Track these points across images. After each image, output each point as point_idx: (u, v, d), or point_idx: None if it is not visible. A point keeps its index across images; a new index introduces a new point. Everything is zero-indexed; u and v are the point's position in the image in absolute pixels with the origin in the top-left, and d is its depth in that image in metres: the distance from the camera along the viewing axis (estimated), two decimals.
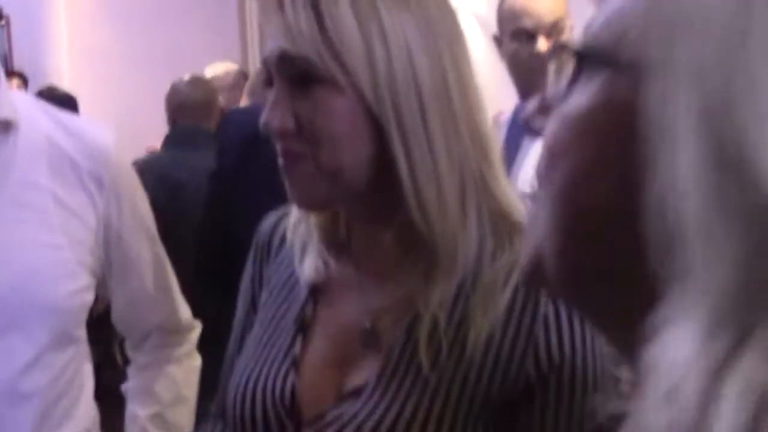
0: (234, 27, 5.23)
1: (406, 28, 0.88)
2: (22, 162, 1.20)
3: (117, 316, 1.38)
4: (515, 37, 2.19)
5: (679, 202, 0.40)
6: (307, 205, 0.93)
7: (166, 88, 3.34)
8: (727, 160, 0.38)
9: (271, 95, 0.89)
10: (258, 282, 1.10)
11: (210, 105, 3.04)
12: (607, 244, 0.44)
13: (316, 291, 1.02)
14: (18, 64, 4.86)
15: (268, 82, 0.91)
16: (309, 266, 1.00)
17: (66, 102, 3.77)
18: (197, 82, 3.13)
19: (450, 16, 0.94)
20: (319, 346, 1.00)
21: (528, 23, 2.19)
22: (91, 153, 1.26)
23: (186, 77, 3.12)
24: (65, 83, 4.26)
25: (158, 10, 4.90)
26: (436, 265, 0.91)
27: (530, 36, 2.19)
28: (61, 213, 1.21)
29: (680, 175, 0.40)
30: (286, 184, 0.91)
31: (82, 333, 1.26)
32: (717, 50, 0.40)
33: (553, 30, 2.14)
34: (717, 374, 0.36)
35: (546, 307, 0.89)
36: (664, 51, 0.42)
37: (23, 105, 1.25)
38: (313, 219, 1.00)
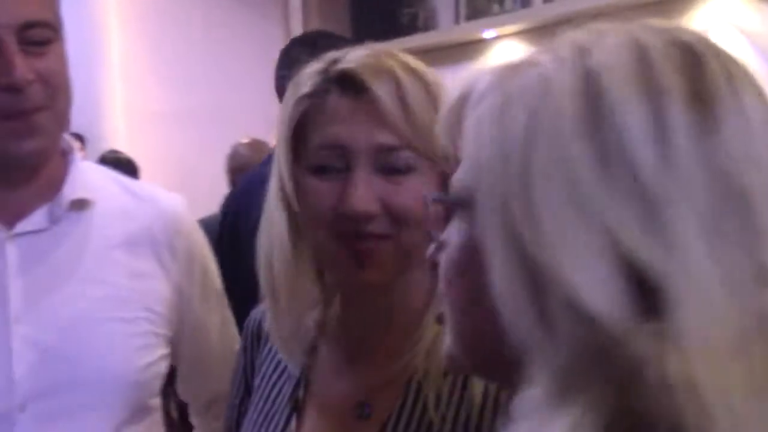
0: None
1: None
2: (97, 238, 1.19)
3: (182, 383, 1.35)
4: None
5: (505, 312, 0.54)
6: (379, 280, 0.95)
7: (221, 148, 3.42)
8: (530, 276, 0.53)
9: (350, 180, 0.91)
10: (250, 368, 1.14)
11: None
12: (492, 342, 0.58)
13: (308, 371, 1.05)
14: (75, 126, 4.97)
15: (319, 170, 0.94)
16: (300, 347, 1.04)
17: (128, 165, 3.85)
18: (256, 144, 3.17)
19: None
20: (313, 425, 1.03)
21: None
22: (165, 222, 1.25)
23: (245, 140, 3.17)
24: (121, 144, 4.35)
25: (214, 72, 5.00)
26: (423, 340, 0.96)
27: None
28: (136, 285, 1.19)
29: (499, 291, 0.55)
30: (350, 262, 0.94)
31: (157, 401, 1.25)
32: (510, 185, 0.54)
33: None
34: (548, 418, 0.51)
35: None
36: (483, 191, 0.57)
37: (97, 177, 1.24)
38: (308, 299, 1.02)
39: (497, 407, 0.95)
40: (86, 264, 1.17)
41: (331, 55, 0.97)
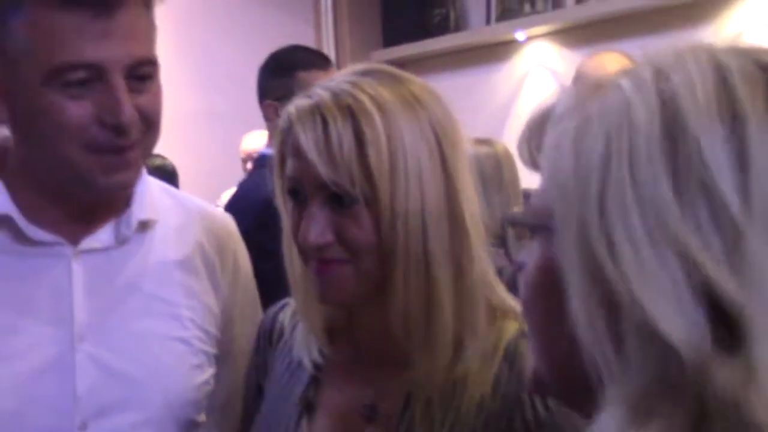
0: None
1: (420, 145, 0.98)
2: (157, 256, 1.20)
3: (212, 402, 1.30)
4: None
5: (582, 337, 0.54)
6: (337, 301, 1.03)
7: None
8: (607, 302, 0.53)
9: (306, 212, 0.98)
10: (263, 369, 1.18)
11: None
12: (572, 367, 0.58)
13: (318, 372, 1.09)
14: None
15: (292, 193, 1.01)
16: (311, 350, 1.08)
17: (171, 173, 3.86)
18: None
19: (450, 118, 1.03)
20: (322, 424, 1.08)
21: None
22: (215, 238, 1.27)
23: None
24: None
25: (244, 73, 5.03)
26: (424, 351, 1.00)
27: None
28: (190, 303, 1.20)
29: (576, 315, 0.55)
30: (315, 282, 1.00)
31: (203, 417, 1.26)
32: (588, 210, 0.54)
33: None
34: None
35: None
36: (560, 214, 0.57)
37: (156, 193, 1.25)
38: (316, 304, 1.06)
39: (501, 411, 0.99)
40: (147, 282, 1.18)
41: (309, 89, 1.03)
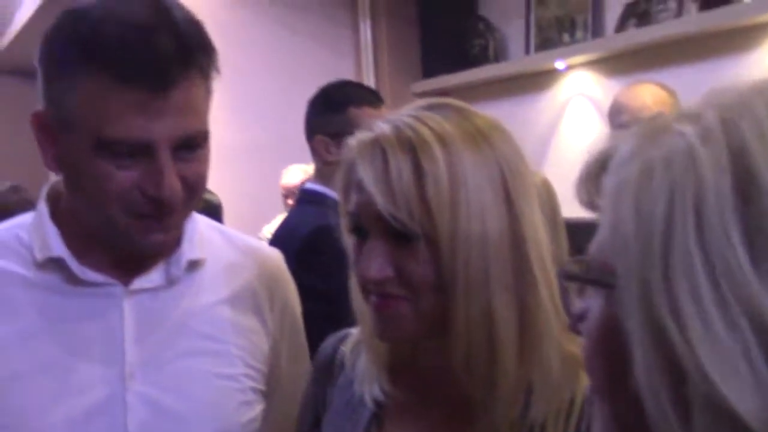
0: None
1: (483, 182, 0.96)
2: (207, 295, 1.21)
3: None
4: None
5: (647, 403, 0.52)
6: (395, 339, 1.00)
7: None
8: (671, 367, 0.50)
9: (366, 246, 0.98)
10: (321, 401, 1.16)
11: None
12: (636, 416, 0.54)
13: (380, 410, 1.08)
14: None
15: (355, 229, 1.00)
16: (373, 386, 1.07)
17: (216, 208, 3.91)
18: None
19: (519, 157, 1.02)
20: None
21: (625, 119, 2.23)
22: (265, 276, 1.28)
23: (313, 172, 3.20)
24: None
25: (286, 107, 5.08)
26: (488, 392, 0.98)
27: None
28: (239, 341, 1.22)
29: (640, 380, 0.52)
30: (374, 318, 0.99)
31: None
32: (651, 269, 0.51)
33: None
34: None
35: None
36: (622, 270, 0.53)
37: (206, 232, 1.27)
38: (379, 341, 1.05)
39: None
40: (197, 320, 1.20)
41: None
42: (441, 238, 0.94)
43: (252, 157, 4.85)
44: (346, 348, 1.17)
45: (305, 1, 5.20)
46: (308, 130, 2.48)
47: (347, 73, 5.38)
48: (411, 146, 0.95)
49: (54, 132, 1.10)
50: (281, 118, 5.11)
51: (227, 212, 4.04)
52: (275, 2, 5.11)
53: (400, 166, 0.94)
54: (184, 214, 1.15)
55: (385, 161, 0.94)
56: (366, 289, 1.00)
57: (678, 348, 0.49)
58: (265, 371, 1.26)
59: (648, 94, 2.25)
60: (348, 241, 1.04)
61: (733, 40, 3.55)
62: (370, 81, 5.28)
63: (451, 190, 0.94)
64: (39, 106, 1.12)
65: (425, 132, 0.96)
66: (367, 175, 0.95)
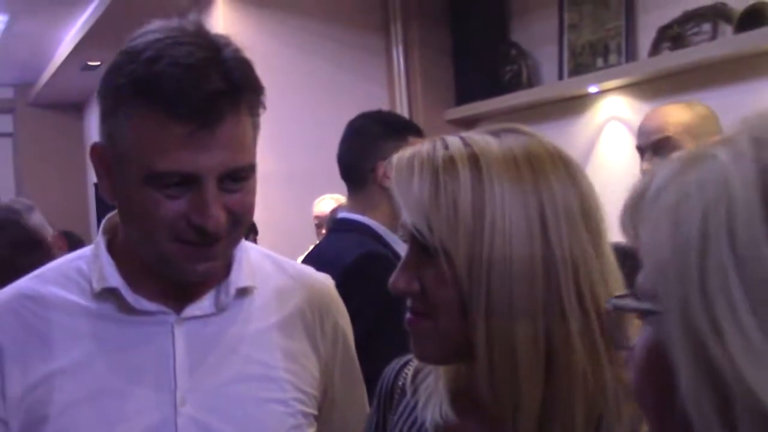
0: None
1: (516, 207, 0.95)
2: (257, 321, 1.25)
3: None
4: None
5: (694, 422, 0.52)
6: (424, 359, 1.00)
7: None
8: (717, 386, 0.51)
9: (401, 260, 1.01)
10: (381, 428, 1.17)
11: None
12: None
13: None
14: None
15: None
16: (434, 412, 1.06)
17: (251, 230, 3.95)
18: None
19: (572, 189, 1.00)
20: None
21: (639, 141, 2.24)
22: (316, 301, 1.31)
23: (344, 201, 3.22)
24: None
25: (317, 135, 5.12)
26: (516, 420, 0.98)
27: (641, 153, 2.23)
28: (290, 366, 1.24)
29: (686, 398, 0.53)
30: (411, 337, 1.01)
31: None
32: (690, 291, 0.52)
33: (661, 148, 2.15)
34: None
35: None
36: (663, 296, 0.55)
37: (255, 258, 1.30)
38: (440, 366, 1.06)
39: None
40: (247, 346, 1.23)
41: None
42: (459, 257, 0.94)
43: (287, 185, 4.89)
44: (407, 374, 1.17)
45: (338, 31, 5.25)
46: (363, 156, 2.46)
47: (381, 101, 5.41)
48: (437, 163, 0.97)
49: (110, 163, 1.15)
50: (315, 148, 5.15)
51: (262, 239, 4.07)
52: (308, 32, 5.16)
53: (422, 181, 0.96)
54: (231, 243, 1.18)
55: (411, 176, 0.97)
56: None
57: (719, 362, 0.50)
58: (317, 395, 1.27)
59: (665, 114, 2.22)
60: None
61: None
62: (403, 109, 5.30)
63: (473, 210, 0.94)
64: (97, 138, 1.19)
65: (457, 152, 0.97)
66: (397, 187, 0.99)
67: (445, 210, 0.95)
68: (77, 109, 9.45)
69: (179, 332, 1.19)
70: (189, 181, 1.10)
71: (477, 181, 0.95)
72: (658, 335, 0.57)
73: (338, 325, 1.33)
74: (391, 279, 1.00)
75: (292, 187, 4.83)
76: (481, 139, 0.99)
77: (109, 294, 1.19)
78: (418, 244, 0.98)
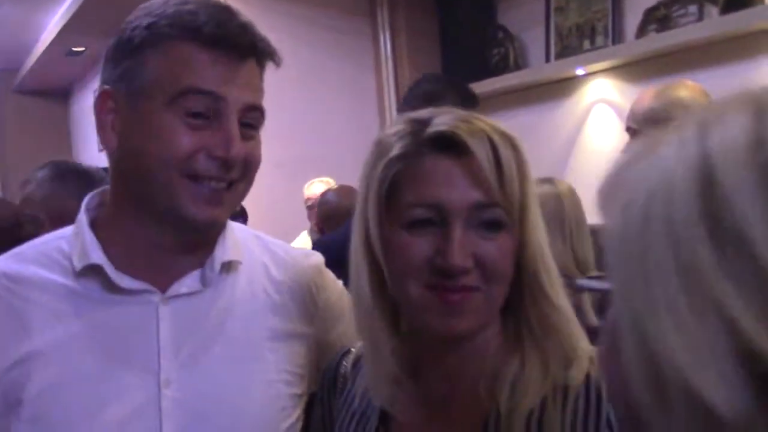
0: (375, 134, 5.39)
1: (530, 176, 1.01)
2: (243, 300, 1.22)
3: None
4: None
5: (636, 394, 0.54)
6: (466, 330, 1.00)
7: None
8: (652, 366, 0.52)
9: (447, 236, 0.97)
10: (329, 418, 1.18)
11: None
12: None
13: (386, 418, 1.08)
14: None
15: (417, 223, 0.99)
16: (377, 393, 1.07)
17: (240, 213, 3.96)
18: (345, 190, 3.21)
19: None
20: None
21: (630, 124, 2.24)
22: (305, 281, 1.28)
23: (335, 186, 3.21)
24: None
25: (307, 122, 5.12)
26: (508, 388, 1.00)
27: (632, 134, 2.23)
28: (277, 347, 1.22)
29: (628, 373, 0.55)
30: (440, 312, 0.99)
31: None
32: (632, 277, 0.54)
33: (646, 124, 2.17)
34: None
35: (608, 411, 0.98)
36: (614, 282, 0.57)
37: (242, 237, 1.28)
38: (386, 349, 1.05)
39: None
40: (234, 326, 1.20)
41: (416, 118, 1.03)
42: (524, 228, 0.99)
43: (275, 171, 4.88)
44: (347, 362, 1.18)
45: (325, 15, 5.23)
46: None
47: (368, 86, 5.41)
48: (489, 139, 0.98)
49: (121, 103, 1.15)
50: (304, 133, 5.15)
51: (251, 226, 4.07)
52: (294, 17, 5.15)
53: (509, 157, 0.97)
54: (237, 194, 1.18)
55: (496, 153, 0.97)
56: (438, 281, 0.98)
57: (654, 343, 0.52)
58: (306, 374, 1.26)
59: (653, 96, 2.23)
60: (375, 233, 1.02)
61: (756, 43, 3.54)
62: (390, 92, 5.30)
63: (520, 183, 0.99)
64: (102, 88, 1.19)
65: (487, 127, 0.99)
66: (475, 163, 0.96)
67: (508, 185, 0.97)
68: (62, 95, 9.40)
69: (164, 312, 1.17)
70: (212, 112, 1.12)
71: (516, 155, 0.99)
72: (613, 315, 0.59)
73: (332, 305, 1.31)
74: (446, 256, 0.96)
75: (281, 172, 4.82)
76: (474, 116, 1.02)
77: (91, 272, 1.16)
78: (475, 220, 0.98)
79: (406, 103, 2.40)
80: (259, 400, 1.19)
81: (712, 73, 3.63)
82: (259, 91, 1.21)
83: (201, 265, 1.20)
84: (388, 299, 1.04)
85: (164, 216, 1.15)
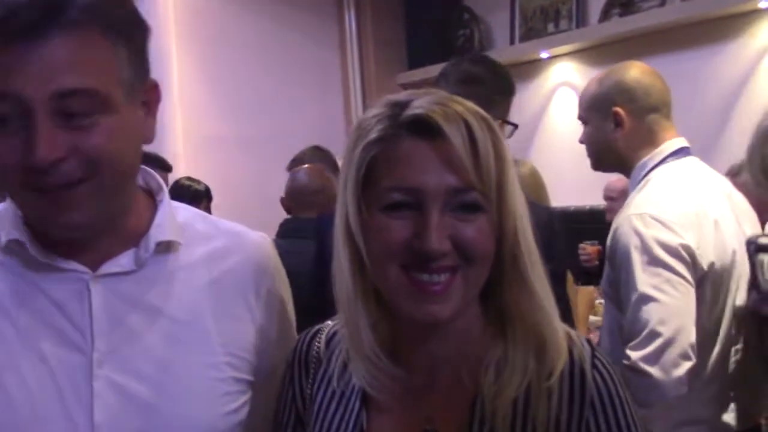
0: (340, 113, 5.39)
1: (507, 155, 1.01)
2: (184, 281, 1.17)
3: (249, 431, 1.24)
4: None
5: None
6: (449, 316, 1.00)
7: (277, 172, 3.47)
8: None
9: (425, 221, 0.97)
10: (300, 399, 1.16)
11: (326, 193, 3.09)
12: None
13: (367, 400, 1.08)
14: None
15: (395, 205, 0.99)
16: (359, 375, 1.06)
17: (203, 194, 3.92)
18: (314, 170, 3.18)
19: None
20: None
21: (579, 111, 2.21)
22: (252, 262, 1.24)
23: (304, 166, 3.19)
24: (180, 169, 4.43)
25: (271, 98, 5.08)
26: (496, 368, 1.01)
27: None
28: (222, 329, 1.17)
29: None
30: (418, 296, 0.99)
31: None
32: None
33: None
34: None
35: (592, 391, 1.00)
36: None
37: (184, 216, 1.23)
38: (366, 327, 1.05)
39: (560, 428, 1.00)
40: (172, 307, 1.15)
41: (396, 101, 1.02)
42: (500, 209, 0.99)
43: (240, 148, 4.86)
44: (320, 342, 1.17)
45: None
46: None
47: (333, 65, 5.39)
48: (465, 122, 0.97)
49: None
50: (268, 110, 5.11)
51: (216, 204, 4.05)
52: None
53: (485, 140, 0.97)
54: (93, 190, 1.04)
55: (471, 136, 0.96)
56: (414, 264, 0.98)
57: None
58: (252, 360, 1.20)
59: (596, 81, 2.20)
60: (355, 218, 1.01)
61: (717, 29, 3.58)
62: (355, 72, 5.28)
63: (496, 162, 0.99)
64: None
65: (462, 109, 0.99)
66: (450, 147, 0.96)
67: (483, 166, 0.97)
68: None
69: (96, 290, 1.10)
70: (17, 112, 0.98)
71: (491, 135, 0.98)
72: None
73: (274, 288, 1.26)
74: (423, 240, 0.96)
75: (245, 150, 4.80)
76: (449, 97, 1.01)
77: (17, 248, 1.10)
78: (452, 203, 0.97)
79: (443, 79, 2.36)
80: (199, 383, 1.14)
81: (674, 57, 3.67)
82: (77, 69, 0.99)
83: (136, 245, 1.14)
84: (368, 282, 1.03)
85: (37, 223, 1.09)
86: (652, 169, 2.05)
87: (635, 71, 2.14)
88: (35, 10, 0.97)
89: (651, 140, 2.07)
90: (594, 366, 1.02)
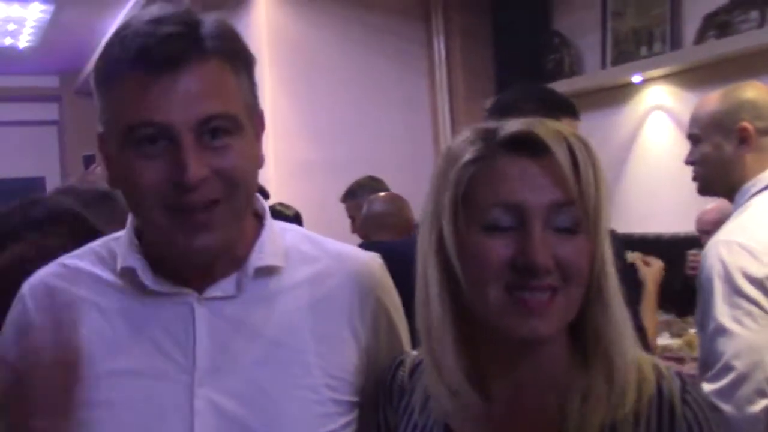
0: (428, 138, 5.39)
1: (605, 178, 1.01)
2: (285, 303, 1.20)
3: None
4: None
5: None
6: (551, 333, 1.00)
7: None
8: None
9: (528, 236, 0.97)
10: (385, 426, 1.17)
11: (405, 220, 3.08)
12: None
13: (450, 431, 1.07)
14: None
15: (507, 223, 0.99)
16: (440, 406, 1.06)
17: (293, 220, 3.98)
18: (391, 197, 3.19)
19: None
20: None
21: (693, 130, 2.14)
22: (357, 283, 1.24)
23: (382, 194, 3.20)
24: (272, 193, 4.50)
25: (360, 123, 5.13)
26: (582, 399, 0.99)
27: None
28: (320, 350, 1.19)
29: None
30: (521, 315, 0.98)
31: None
32: None
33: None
34: None
35: (682, 428, 0.97)
36: None
37: (289, 239, 1.26)
38: (451, 359, 1.04)
39: None
40: (271, 329, 1.18)
41: (484, 127, 1.04)
42: (597, 231, 0.99)
43: (330, 172, 4.90)
44: (404, 372, 1.17)
45: (380, 21, 5.25)
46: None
47: (421, 91, 5.41)
48: (584, 142, 1.00)
49: (105, 148, 1.14)
50: (358, 134, 5.16)
51: (306, 227, 4.09)
52: (351, 22, 5.17)
53: (585, 158, 0.97)
54: (229, 211, 1.11)
55: (572, 155, 0.97)
56: (516, 282, 0.97)
57: None
58: (355, 381, 1.21)
59: (718, 99, 2.12)
60: (449, 235, 1.01)
61: None
62: (443, 98, 5.29)
63: (596, 184, 0.99)
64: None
65: (562, 128, 1.00)
66: (554, 162, 0.97)
67: (585, 184, 0.97)
68: None
69: (200, 313, 1.16)
70: (164, 136, 1.06)
71: (589, 156, 0.99)
72: None
73: (381, 308, 1.26)
74: (528, 256, 0.96)
75: (335, 174, 4.84)
76: (548, 120, 1.03)
77: (130, 274, 1.18)
78: (554, 222, 0.97)
79: (490, 113, 2.39)
80: (299, 406, 1.16)
81: None
82: (215, 95, 1.08)
83: (239, 267, 1.19)
84: (458, 307, 1.03)
85: (162, 246, 1.15)
86: (755, 194, 1.98)
87: (759, 91, 2.07)
88: (178, 41, 1.05)
89: (764, 164, 2.00)
90: (684, 401, 0.99)
